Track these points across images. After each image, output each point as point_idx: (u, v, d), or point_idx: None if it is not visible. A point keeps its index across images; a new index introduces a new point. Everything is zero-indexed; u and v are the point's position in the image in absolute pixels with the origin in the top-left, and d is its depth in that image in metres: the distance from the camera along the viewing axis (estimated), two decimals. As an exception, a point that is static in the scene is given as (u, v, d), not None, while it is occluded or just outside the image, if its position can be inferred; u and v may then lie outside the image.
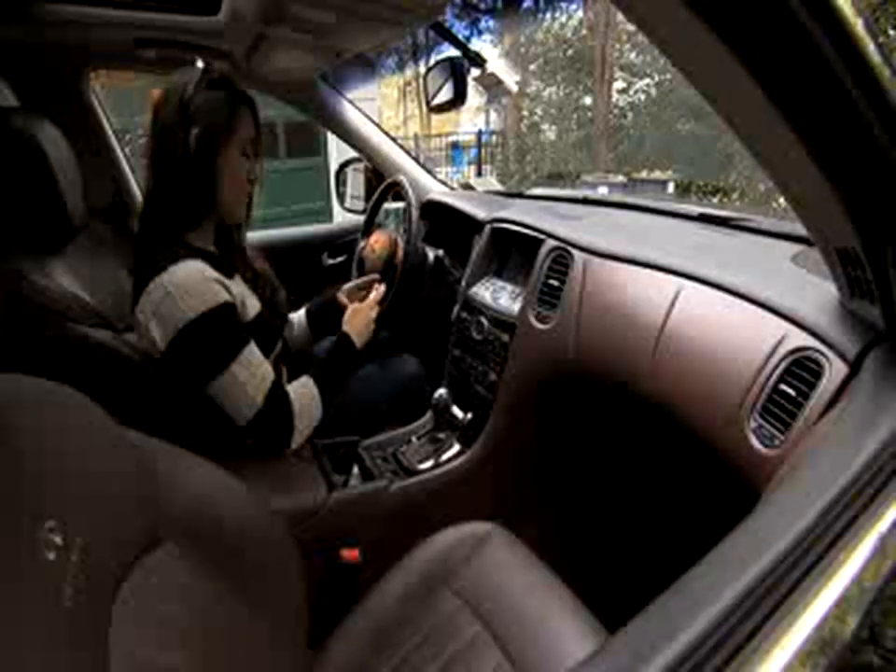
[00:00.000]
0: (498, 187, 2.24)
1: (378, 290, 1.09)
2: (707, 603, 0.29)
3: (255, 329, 0.86)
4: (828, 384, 0.58)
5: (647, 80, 8.52)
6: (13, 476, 0.33)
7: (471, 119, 11.34)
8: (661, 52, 0.40)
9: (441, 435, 1.15)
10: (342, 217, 2.06)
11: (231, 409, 0.81)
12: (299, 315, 1.19)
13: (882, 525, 0.35)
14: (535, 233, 1.07)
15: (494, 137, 10.27)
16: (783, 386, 0.63)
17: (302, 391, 0.89)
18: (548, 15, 9.16)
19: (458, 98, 1.15)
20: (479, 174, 9.15)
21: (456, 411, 1.16)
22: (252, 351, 0.82)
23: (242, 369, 0.80)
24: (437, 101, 1.20)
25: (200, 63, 0.85)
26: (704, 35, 0.34)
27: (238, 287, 0.87)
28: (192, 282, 0.77)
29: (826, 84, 0.36)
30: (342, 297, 1.16)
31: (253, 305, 0.89)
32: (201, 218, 0.86)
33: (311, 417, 0.88)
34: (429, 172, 1.63)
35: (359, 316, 1.02)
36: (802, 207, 0.51)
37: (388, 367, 1.29)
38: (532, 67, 9.40)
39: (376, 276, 1.19)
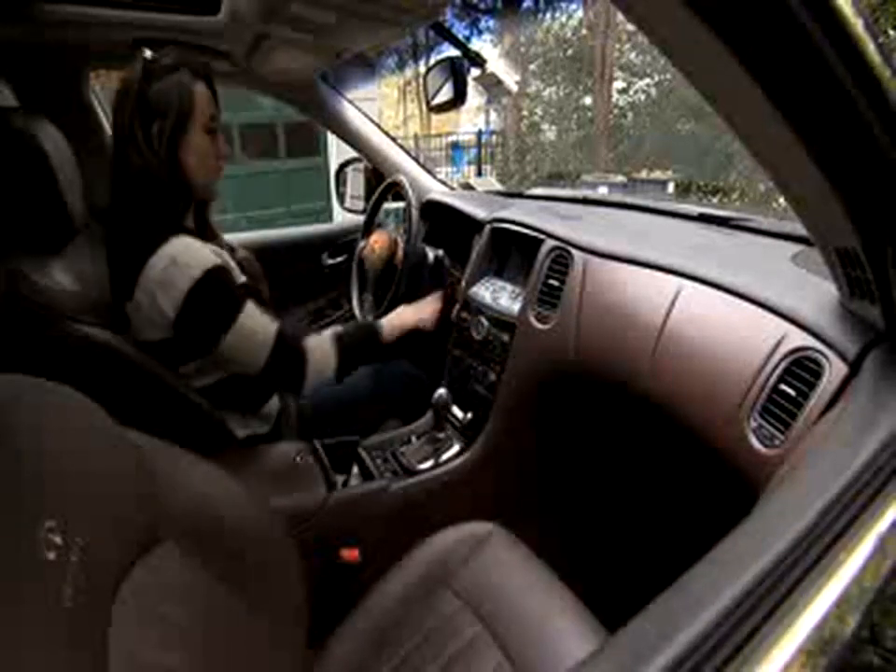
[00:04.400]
0: (498, 187, 2.23)
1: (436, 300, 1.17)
2: (707, 603, 0.29)
3: (248, 292, 0.90)
4: (828, 384, 0.58)
5: (647, 80, 8.50)
6: (13, 476, 0.33)
7: (471, 119, 11.33)
8: (661, 52, 0.40)
9: (441, 435, 1.15)
10: (342, 217, 2.06)
11: (246, 359, 0.86)
12: None
13: (882, 525, 0.35)
14: (535, 233, 1.07)
15: (494, 137, 10.26)
16: (783, 386, 0.63)
17: (319, 344, 0.94)
18: (548, 15, 9.16)
19: (458, 98, 1.16)
20: (479, 174, 9.14)
21: (456, 411, 1.16)
22: (252, 304, 0.86)
23: (248, 318, 0.84)
24: (437, 101, 1.20)
25: (147, 53, 0.82)
26: (704, 34, 0.34)
27: (224, 256, 0.91)
28: (191, 249, 0.81)
29: (826, 84, 0.36)
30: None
31: (239, 276, 0.92)
32: (181, 209, 0.88)
33: (321, 371, 0.92)
34: (429, 172, 1.63)
35: (404, 316, 1.08)
36: (802, 207, 0.51)
37: (387, 366, 1.29)
38: (532, 67, 9.39)
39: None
